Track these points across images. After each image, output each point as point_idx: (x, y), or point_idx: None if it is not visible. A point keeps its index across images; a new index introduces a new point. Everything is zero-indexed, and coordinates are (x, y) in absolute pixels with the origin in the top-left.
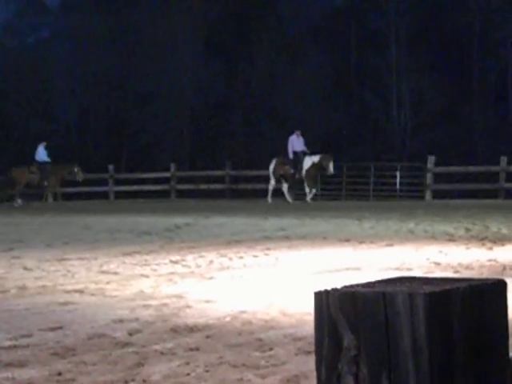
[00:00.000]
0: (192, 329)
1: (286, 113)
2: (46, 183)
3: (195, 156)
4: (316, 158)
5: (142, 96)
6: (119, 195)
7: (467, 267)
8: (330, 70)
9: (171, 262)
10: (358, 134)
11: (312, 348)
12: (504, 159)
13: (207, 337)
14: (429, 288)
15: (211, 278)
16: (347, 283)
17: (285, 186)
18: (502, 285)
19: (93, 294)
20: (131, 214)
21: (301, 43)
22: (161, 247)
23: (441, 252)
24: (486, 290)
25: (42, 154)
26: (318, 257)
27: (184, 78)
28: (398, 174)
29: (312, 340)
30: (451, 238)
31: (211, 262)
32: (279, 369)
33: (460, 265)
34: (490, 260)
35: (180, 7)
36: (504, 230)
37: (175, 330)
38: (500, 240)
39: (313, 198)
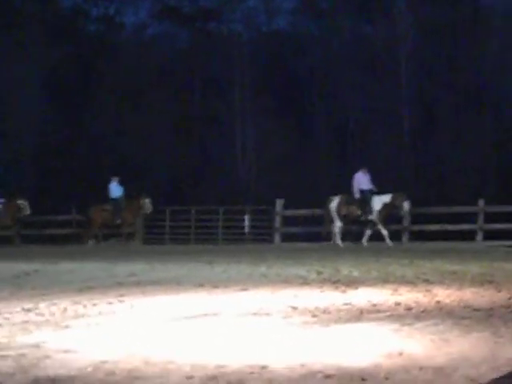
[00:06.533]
0: (54, 380)
1: (130, 157)
2: (118, 221)
3: (39, 201)
4: (387, 198)
5: None
6: None
7: (324, 311)
8: (174, 113)
9: (24, 310)
10: (202, 177)
11: None
12: None
13: None
14: None
15: (67, 326)
16: (206, 330)
17: (338, 227)
18: None
19: None
20: None
21: (144, 87)
22: (11, 294)
23: (296, 296)
24: None
25: (114, 190)
26: (174, 303)
27: (24, 121)
28: (246, 217)
29: None
30: (305, 282)
31: (65, 309)
32: None
33: (317, 309)
34: (345, 304)
35: (20, 50)
36: (355, 273)
37: (37, 382)
38: (352, 283)
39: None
